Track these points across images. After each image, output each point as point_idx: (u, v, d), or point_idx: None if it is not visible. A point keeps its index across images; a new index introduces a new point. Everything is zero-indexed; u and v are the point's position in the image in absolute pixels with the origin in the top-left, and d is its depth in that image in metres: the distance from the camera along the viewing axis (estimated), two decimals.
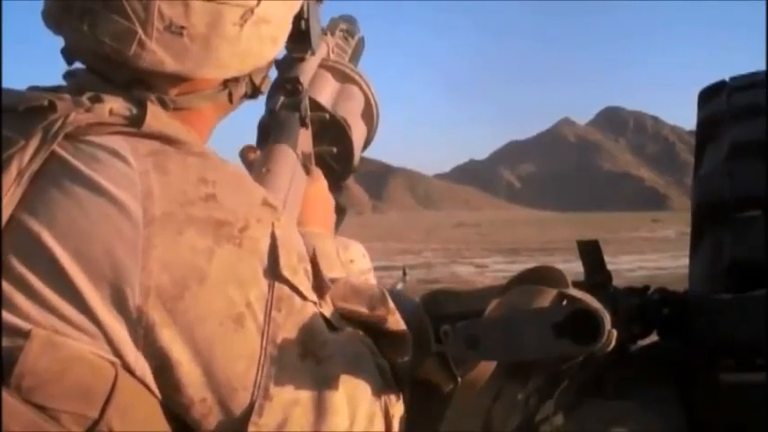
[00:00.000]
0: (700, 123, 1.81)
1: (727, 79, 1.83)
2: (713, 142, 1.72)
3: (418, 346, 0.91)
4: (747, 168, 1.56)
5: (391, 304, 0.89)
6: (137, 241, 0.70)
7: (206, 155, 0.78)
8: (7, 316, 0.69)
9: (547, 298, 0.91)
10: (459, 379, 0.95)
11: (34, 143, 0.72)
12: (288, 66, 1.15)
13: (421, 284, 10.85)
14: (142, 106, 0.78)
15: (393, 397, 0.86)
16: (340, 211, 1.20)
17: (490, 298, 0.95)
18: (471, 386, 0.96)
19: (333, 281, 0.85)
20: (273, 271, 0.76)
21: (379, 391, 0.83)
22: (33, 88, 0.81)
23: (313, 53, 1.17)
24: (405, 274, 2.33)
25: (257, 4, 0.83)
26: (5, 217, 0.70)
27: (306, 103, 1.14)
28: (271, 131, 1.09)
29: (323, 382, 0.77)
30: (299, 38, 1.08)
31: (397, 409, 0.86)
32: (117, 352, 0.70)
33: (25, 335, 0.68)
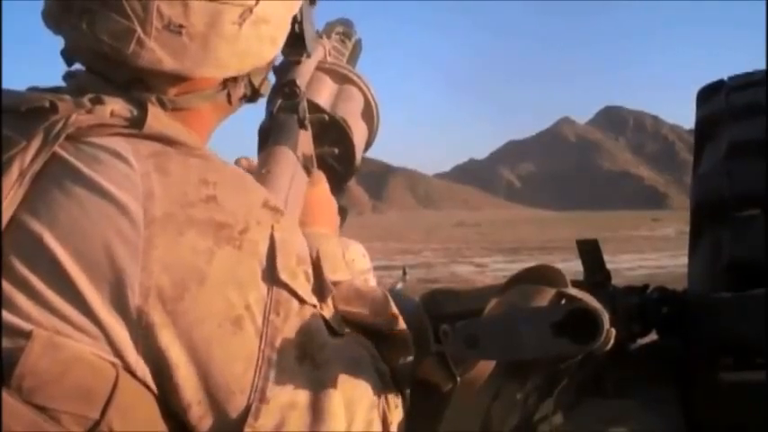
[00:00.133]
0: (698, 122, 1.82)
1: (725, 78, 1.83)
2: (712, 141, 1.72)
3: (418, 345, 0.91)
4: (746, 167, 1.56)
5: (394, 308, 0.89)
6: (137, 242, 0.71)
7: (207, 156, 0.78)
8: (8, 316, 0.69)
9: (546, 297, 0.91)
10: (459, 378, 0.95)
11: (36, 144, 0.72)
12: (284, 69, 1.15)
13: (421, 284, 10.85)
14: (142, 107, 0.78)
15: (392, 402, 0.86)
16: (342, 212, 1.20)
17: (489, 297, 0.95)
18: (470, 385, 0.96)
19: (336, 283, 0.85)
20: (272, 274, 0.76)
21: (377, 397, 0.83)
22: (33, 89, 0.81)
23: (308, 55, 1.17)
24: (405, 273, 2.32)
25: (256, 4, 0.83)
26: (6, 217, 0.70)
27: (304, 104, 1.14)
28: (270, 135, 1.10)
29: (320, 386, 0.77)
30: (294, 41, 1.09)
31: (396, 414, 0.86)
32: (118, 353, 0.70)
33: (26, 335, 0.68)
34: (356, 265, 1.68)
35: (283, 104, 1.12)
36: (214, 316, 0.73)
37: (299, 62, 1.17)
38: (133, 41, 0.78)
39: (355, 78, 1.31)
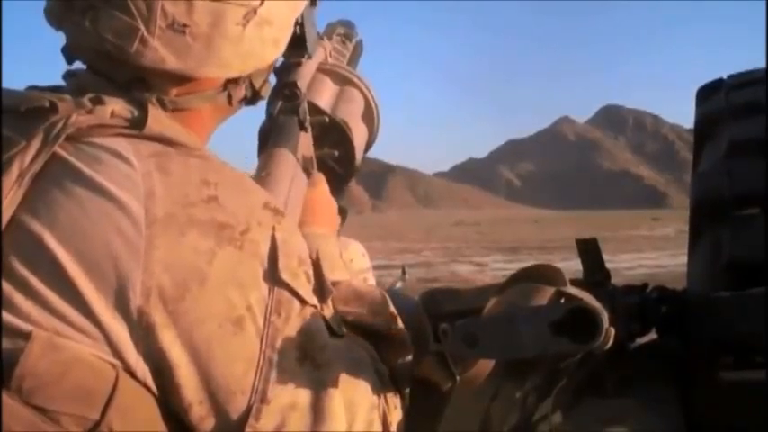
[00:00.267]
0: (698, 121, 1.81)
1: (725, 77, 1.83)
2: (711, 140, 1.72)
3: (417, 344, 0.91)
4: (746, 166, 1.55)
5: (392, 308, 0.89)
6: (139, 242, 0.70)
7: (207, 157, 0.78)
8: (8, 317, 0.69)
9: (545, 296, 0.91)
10: (458, 377, 0.95)
11: (36, 144, 0.72)
12: (285, 71, 1.15)
13: (420, 283, 10.84)
14: (143, 108, 0.78)
15: (391, 403, 0.86)
16: (342, 213, 1.20)
17: (489, 296, 0.95)
18: (470, 384, 0.96)
19: (335, 284, 0.85)
20: (273, 274, 0.76)
21: (377, 398, 0.83)
22: (32, 88, 0.81)
23: (309, 57, 1.17)
24: (404, 272, 2.32)
25: (260, 5, 0.83)
26: (6, 218, 0.70)
27: (304, 106, 1.14)
28: (270, 137, 1.10)
29: (321, 387, 0.77)
30: (295, 42, 1.09)
31: (396, 415, 0.86)
32: (118, 354, 0.70)
33: (26, 336, 0.68)
34: (355, 265, 1.69)
35: (284, 106, 1.12)
36: (215, 316, 0.73)
37: (299, 63, 1.17)
38: (137, 40, 0.78)
39: (356, 80, 1.31)
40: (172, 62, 0.79)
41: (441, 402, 0.96)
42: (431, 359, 0.94)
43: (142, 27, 0.78)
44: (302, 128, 1.13)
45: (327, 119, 1.22)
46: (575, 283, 1.01)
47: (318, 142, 1.20)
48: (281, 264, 0.77)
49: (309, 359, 0.77)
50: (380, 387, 0.85)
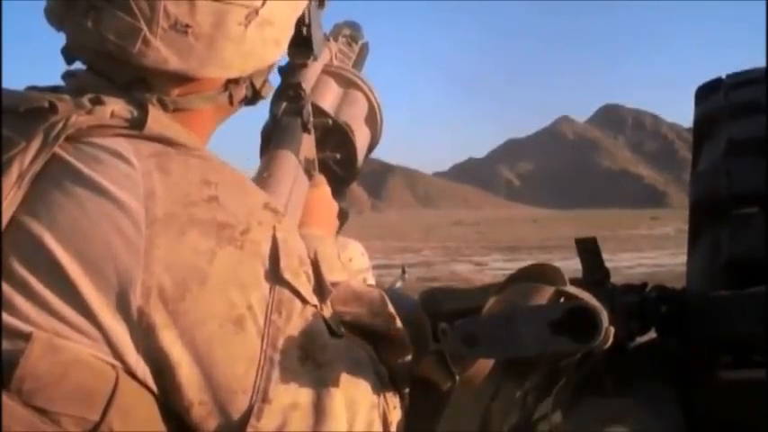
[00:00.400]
0: (697, 121, 1.81)
1: (723, 76, 1.83)
2: (710, 139, 1.72)
3: (416, 344, 0.91)
4: (745, 165, 1.56)
5: (391, 309, 0.89)
6: (139, 242, 0.70)
7: (207, 157, 0.78)
8: (8, 318, 0.68)
9: (544, 295, 0.92)
10: (457, 377, 0.95)
11: (35, 145, 0.72)
12: (290, 72, 1.16)
13: (420, 283, 10.84)
14: (143, 108, 0.77)
15: (391, 403, 0.86)
16: (343, 216, 1.20)
17: (488, 295, 0.95)
18: (469, 384, 0.96)
19: (333, 284, 0.85)
20: (275, 274, 0.76)
21: (377, 398, 0.83)
22: (32, 88, 0.80)
23: (315, 59, 1.17)
24: (404, 272, 2.32)
25: (262, 5, 0.83)
26: (6, 219, 0.70)
27: (308, 108, 1.14)
28: (273, 137, 1.10)
29: (322, 387, 0.77)
30: (302, 43, 1.09)
31: (395, 415, 0.86)
32: (118, 354, 0.70)
33: (26, 337, 0.68)
34: (355, 264, 1.69)
35: (288, 107, 1.12)
36: (215, 316, 0.73)
37: (305, 65, 1.17)
38: (139, 40, 0.78)
39: (360, 83, 1.31)
40: (174, 62, 0.79)
41: (440, 402, 0.96)
42: (430, 359, 0.94)
43: (144, 27, 0.77)
44: (305, 129, 1.13)
45: (331, 121, 1.22)
46: (574, 282, 1.01)
47: (321, 144, 1.20)
48: (283, 263, 0.77)
49: (311, 359, 0.77)
50: (380, 387, 0.85)
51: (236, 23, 0.81)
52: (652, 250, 20.93)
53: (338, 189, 1.21)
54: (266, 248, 0.76)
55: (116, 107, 0.76)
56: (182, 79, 0.82)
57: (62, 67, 0.85)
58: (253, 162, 1.11)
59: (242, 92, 0.89)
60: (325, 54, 1.27)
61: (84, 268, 0.70)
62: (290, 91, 1.13)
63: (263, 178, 1.01)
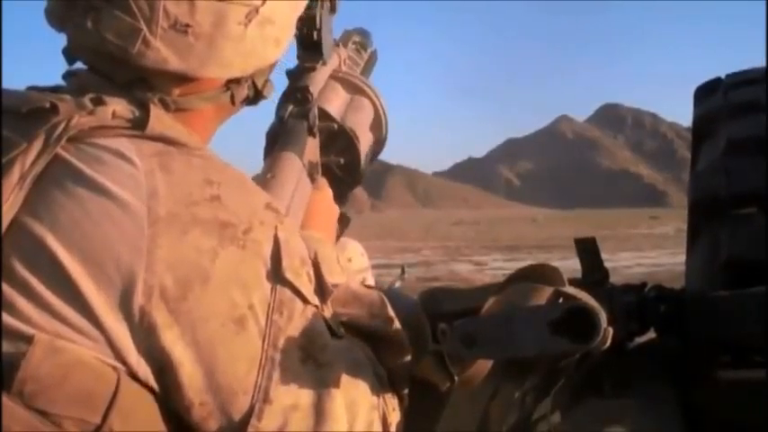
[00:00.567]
0: (696, 120, 1.81)
1: (723, 76, 1.83)
2: (710, 139, 1.72)
3: (416, 344, 0.91)
4: (744, 165, 1.56)
5: (390, 311, 0.89)
6: (141, 241, 0.70)
7: (208, 157, 0.78)
8: (9, 320, 0.68)
9: (543, 296, 0.91)
10: (456, 377, 0.95)
11: (37, 146, 0.71)
12: (298, 75, 1.16)
13: (420, 282, 10.85)
14: (145, 108, 0.77)
15: (390, 404, 0.86)
16: (344, 221, 1.20)
17: (487, 296, 0.95)
18: (468, 385, 0.96)
19: (334, 286, 0.85)
20: (276, 274, 0.76)
21: (377, 399, 0.83)
22: (32, 88, 0.80)
23: (324, 63, 1.18)
24: (403, 272, 2.33)
25: (262, 4, 0.82)
26: (7, 220, 0.70)
27: (315, 112, 1.15)
28: (278, 139, 1.10)
29: (323, 387, 0.77)
30: (311, 48, 1.09)
31: (395, 416, 0.86)
32: (119, 355, 0.70)
33: (28, 340, 0.68)
34: (354, 264, 1.69)
35: (294, 110, 1.13)
36: (217, 316, 0.72)
37: (313, 68, 1.17)
38: (139, 40, 0.77)
39: (367, 90, 1.32)
40: (174, 62, 0.79)
41: (439, 403, 0.96)
42: (429, 360, 0.94)
43: (144, 27, 0.77)
44: (311, 133, 1.14)
45: (336, 126, 1.23)
46: (573, 282, 1.01)
47: (325, 148, 1.21)
48: (285, 263, 0.76)
49: (312, 359, 0.77)
50: (380, 388, 0.85)
51: (236, 23, 0.81)
52: (651, 250, 20.95)
53: (340, 193, 1.21)
54: (268, 248, 0.76)
55: (118, 107, 0.76)
56: (182, 79, 0.82)
57: (63, 66, 0.85)
58: (255, 163, 1.11)
59: (243, 91, 0.89)
60: (334, 59, 1.28)
61: (86, 269, 0.70)
62: (297, 94, 1.14)
63: (267, 179, 1.01)
